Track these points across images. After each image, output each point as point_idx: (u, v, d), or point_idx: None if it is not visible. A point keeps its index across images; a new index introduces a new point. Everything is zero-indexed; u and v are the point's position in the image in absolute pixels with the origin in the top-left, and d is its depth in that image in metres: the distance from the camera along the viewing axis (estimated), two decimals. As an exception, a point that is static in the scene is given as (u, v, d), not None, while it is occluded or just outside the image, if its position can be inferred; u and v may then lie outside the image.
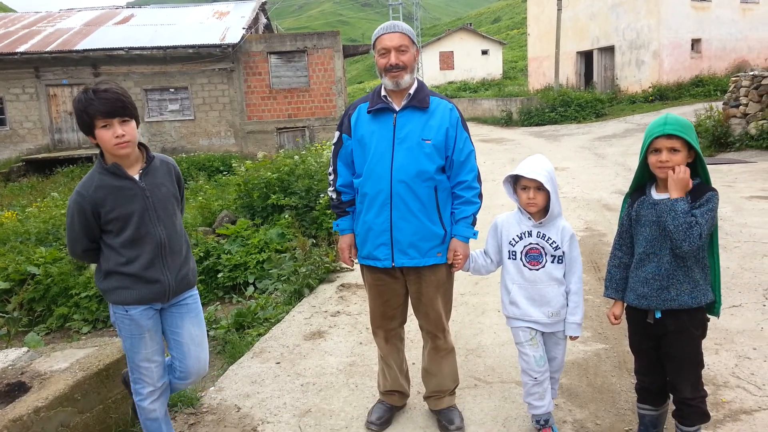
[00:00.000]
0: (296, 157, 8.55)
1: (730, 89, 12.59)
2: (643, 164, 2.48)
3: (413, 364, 3.55)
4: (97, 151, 2.55)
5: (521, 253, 2.78)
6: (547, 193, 2.68)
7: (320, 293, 5.33)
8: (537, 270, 2.75)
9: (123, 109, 2.39)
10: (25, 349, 3.46)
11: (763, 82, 11.77)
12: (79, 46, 19.18)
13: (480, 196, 2.85)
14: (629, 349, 2.71)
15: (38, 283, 6.15)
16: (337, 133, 2.94)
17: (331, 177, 2.98)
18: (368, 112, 2.81)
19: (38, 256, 6.56)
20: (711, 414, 2.90)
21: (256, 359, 4.03)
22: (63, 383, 2.92)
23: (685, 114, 16.16)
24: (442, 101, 2.82)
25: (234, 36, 19.50)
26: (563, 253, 2.74)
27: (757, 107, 11.87)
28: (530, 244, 2.76)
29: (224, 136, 20.19)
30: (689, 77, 21.90)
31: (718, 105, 13.30)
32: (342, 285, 5.48)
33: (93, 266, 3.80)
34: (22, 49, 19.01)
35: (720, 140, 12.16)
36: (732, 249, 5.52)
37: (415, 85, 2.79)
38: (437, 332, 2.95)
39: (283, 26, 40.97)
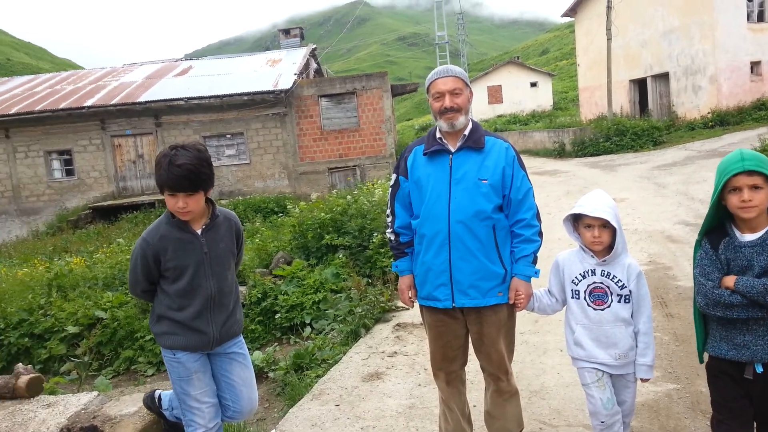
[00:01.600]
0: (349, 197, 8.67)
1: (797, 111, 12.03)
2: (717, 206, 2.26)
3: (474, 406, 3.46)
4: (160, 197, 2.70)
5: (585, 292, 2.70)
6: (613, 230, 2.60)
7: (376, 333, 5.30)
8: (602, 310, 2.66)
9: (190, 186, 2.47)
10: (95, 393, 3.57)
11: (832, 103, 11.20)
12: (142, 98, 20.28)
13: (540, 234, 2.80)
14: (703, 389, 2.52)
15: (105, 327, 6.39)
16: (394, 176, 2.98)
17: (389, 219, 3.01)
18: (424, 154, 2.84)
19: (105, 301, 6.84)
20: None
21: (315, 401, 4.02)
22: (132, 427, 3.01)
23: (748, 139, 15.54)
24: (497, 140, 2.83)
25: (286, 82, 20.20)
26: (630, 291, 2.64)
27: (828, 129, 11.28)
28: (594, 283, 2.68)
29: (278, 177, 20.73)
30: (750, 101, 21.08)
31: (785, 128, 12.72)
32: (398, 324, 5.44)
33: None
34: (89, 103, 20.26)
35: (789, 164, 11.57)
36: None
37: (470, 126, 2.81)
38: (500, 374, 2.88)
39: (332, 69, 42.22)
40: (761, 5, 21.58)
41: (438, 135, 2.83)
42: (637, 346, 2.64)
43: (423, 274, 2.86)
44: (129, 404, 3.29)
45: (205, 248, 2.64)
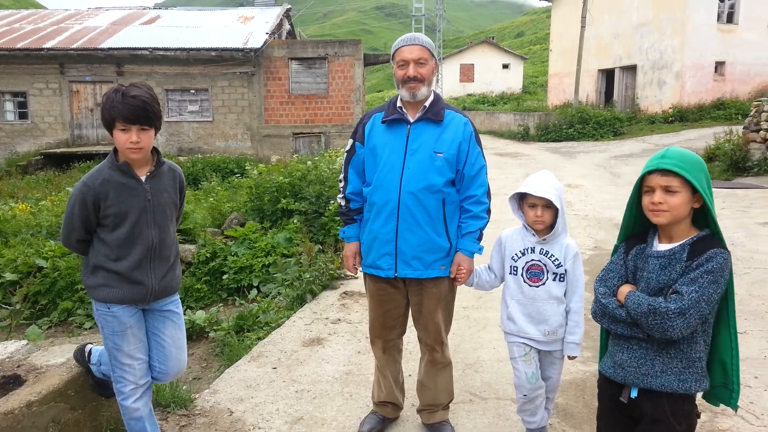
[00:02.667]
0: (309, 162, 8.58)
1: (752, 113, 12.41)
2: (637, 207, 2.04)
3: (409, 375, 3.50)
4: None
5: (522, 269, 2.74)
6: (555, 211, 2.64)
7: (322, 300, 5.30)
8: (537, 287, 2.70)
9: (144, 119, 2.44)
10: (24, 341, 3.47)
11: (785, 108, 11.60)
12: (104, 45, 19.47)
13: (488, 211, 2.82)
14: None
15: (45, 276, 6.20)
16: (350, 141, 2.95)
17: (342, 184, 2.98)
18: (383, 122, 2.81)
19: (48, 250, 6.63)
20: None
21: (253, 363, 4.01)
22: (57, 378, 2.92)
23: (704, 136, 15.98)
24: (457, 115, 2.81)
25: (257, 41, 19.68)
26: (565, 271, 2.69)
27: (779, 133, 11.69)
28: (532, 260, 2.72)
29: (241, 139, 20.34)
30: (711, 100, 21.64)
31: (739, 129, 13.13)
32: (345, 293, 5.46)
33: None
34: (48, 45, 19.34)
35: (738, 164, 11.98)
36: (742, 275, 5.41)
37: (431, 97, 2.79)
38: (435, 345, 2.92)
39: (306, 33, 41.31)
40: (732, 7, 22.00)
41: (399, 104, 2.80)
42: (567, 324, 2.70)
43: (369, 242, 2.85)
44: (58, 355, 3.20)
45: (149, 195, 2.56)
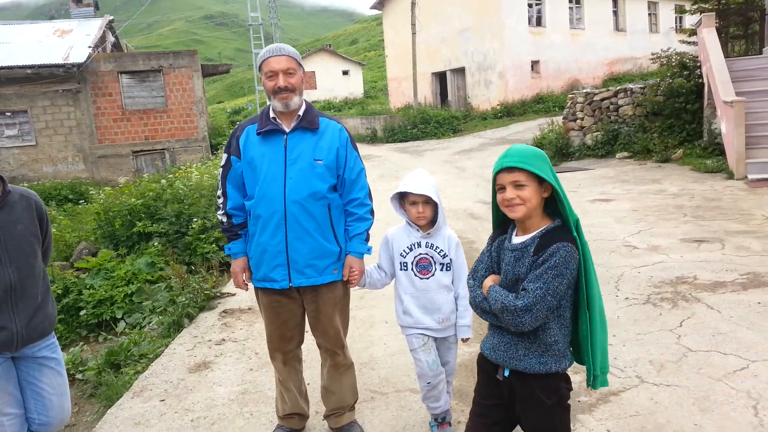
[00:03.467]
0: (163, 181, 8.11)
1: (568, 105, 14.05)
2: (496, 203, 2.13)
3: (308, 384, 3.51)
4: None
5: (412, 263, 2.89)
6: (435, 206, 2.82)
7: (201, 322, 5.08)
8: (427, 279, 2.87)
9: None
10: None
11: (595, 99, 13.31)
12: None
13: (372, 212, 2.93)
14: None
15: None
16: (225, 155, 2.88)
17: (221, 200, 2.90)
18: (258, 133, 2.78)
19: None
20: (585, 399, 3.22)
21: (137, 399, 3.75)
22: None
23: (530, 128, 17.71)
24: (331, 122, 2.88)
25: (79, 55, 18.12)
26: (450, 260, 2.89)
27: (591, 120, 13.37)
28: (420, 254, 2.88)
29: (72, 161, 18.60)
30: (531, 95, 24.05)
31: (558, 119, 14.77)
32: (224, 311, 5.28)
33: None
34: None
35: (562, 151, 13.48)
36: (584, 248, 6.14)
37: (304, 106, 2.82)
38: (336, 349, 2.97)
39: (132, 44, 38.66)
40: (539, 11, 24.62)
41: (272, 115, 2.79)
42: (457, 309, 2.90)
43: (258, 256, 2.82)
44: None
45: None
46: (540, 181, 1.99)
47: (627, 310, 4.45)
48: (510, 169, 1.99)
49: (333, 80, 45.96)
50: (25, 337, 2.38)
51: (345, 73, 46.73)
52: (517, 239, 2.08)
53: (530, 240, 2.03)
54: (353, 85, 46.62)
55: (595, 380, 2.09)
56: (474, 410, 2.23)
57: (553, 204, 2.06)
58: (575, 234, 2.01)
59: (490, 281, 2.11)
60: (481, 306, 2.09)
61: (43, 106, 18.16)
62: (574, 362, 2.14)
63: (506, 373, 2.09)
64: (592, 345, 2.05)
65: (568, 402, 2.12)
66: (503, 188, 2.02)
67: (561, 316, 2.03)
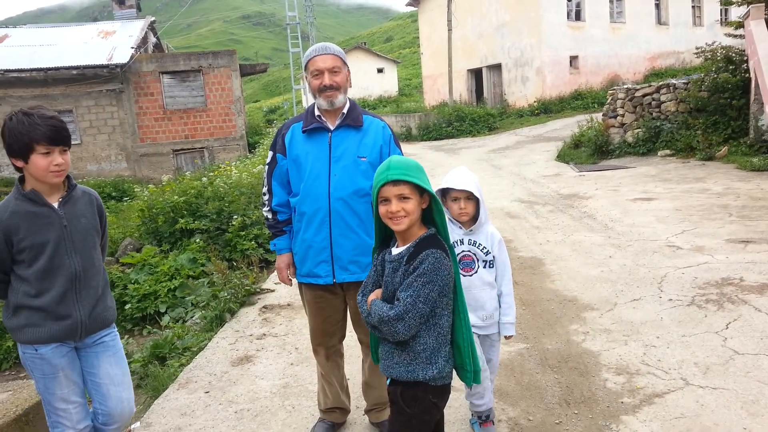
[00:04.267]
0: (204, 179, 8.29)
1: (608, 101, 13.77)
2: (378, 215, 2.12)
3: (348, 379, 3.55)
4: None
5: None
6: (476, 202, 2.82)
7: (242, 317, 5.19)
8: (471, 276, 2.87)
9: (66, 139, 2.37)
10: None
11: (636, 95, 13.00)
12: (-57, 68, 17.49)
13: None
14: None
15: None
16: (270, 153, 2.94)
17: (266, 197, 2.96)
18: (303, 131, 2.83)
19: None
20: (629, 400, 3.17)
21: (182, 390, 3.85)
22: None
23: (568, 125, 17.44)
24: (374, 119, 2.91)
25: (122, 56, 18.64)
26: (494, 257, 2.88)
27: (632, 117, 13.08)
28: (463, 251, 2.88)
29: (115, 160, 19.15)
30: (569, 91, 23.67)
31: (598, 116, 14.49)
32: (264, 307, 5.37)
33: None
34: None
35: (602, 148, 13.23)
36: (626, 248, 6.03)
37: (348, 104, 2.86)
38: (377, 345, 2.99)
39: (172, 45, 39.57)
40: (578, 5, 24.20)
41: (317, 113, 2.84)
42: (500, 307, 2.90)
43: (303, 252, 2.86)
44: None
45: (64, 221, 2.39)
46: (420, 192, 2.05)
47: (671, 312, 4.36)
48: (395, 182, 2.01)
49: (368, 78, 46.08)
50: (88, 327, 2.46)
51: (380, 70, 46.80)
52: (396, 251, 2.11)
53: (405, 250, 2.06)
54: (388, 83, 46.67)
55: (468, 377, 2.14)
56: None
57: (428, 212, 2.11)
58: (447, 242, 2.08)
59: (373, 296, 2.13)
60: (367, 320, 2.11)
61: (87, 105, 18.75)
62: (453, 371, 2.15)
63: (388, 382, 2.16)
64: (471, 345, 2.13)
65: (432, 414, 2.13)
66: (387, 201, 2.03)
67: (436, 324, 2.05)
